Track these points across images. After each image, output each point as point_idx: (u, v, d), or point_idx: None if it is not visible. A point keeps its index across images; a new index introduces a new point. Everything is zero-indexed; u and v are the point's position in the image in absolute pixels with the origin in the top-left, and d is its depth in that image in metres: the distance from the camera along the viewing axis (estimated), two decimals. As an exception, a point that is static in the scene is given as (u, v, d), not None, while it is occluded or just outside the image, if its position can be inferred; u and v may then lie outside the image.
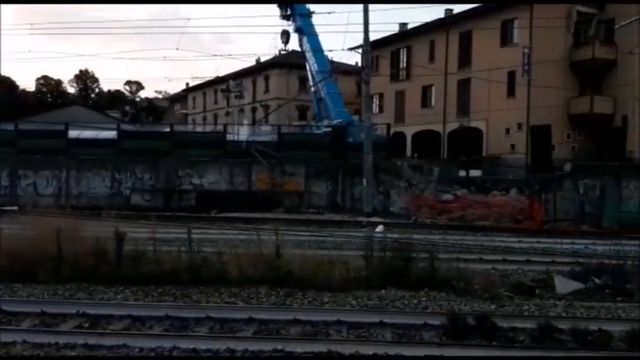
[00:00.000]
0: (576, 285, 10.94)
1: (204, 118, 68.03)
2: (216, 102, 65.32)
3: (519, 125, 34.20)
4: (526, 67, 33.48)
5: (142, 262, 11.11)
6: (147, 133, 33.86)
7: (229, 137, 30.45)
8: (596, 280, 11.02)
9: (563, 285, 10.88)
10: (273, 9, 35.56)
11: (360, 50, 29.17)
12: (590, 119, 34.31)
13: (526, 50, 33.51)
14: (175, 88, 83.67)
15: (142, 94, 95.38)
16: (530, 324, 8.00)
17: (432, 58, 40.59)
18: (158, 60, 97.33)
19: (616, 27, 27.15)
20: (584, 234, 20.49)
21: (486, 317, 8.08)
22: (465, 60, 38.12)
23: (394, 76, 44.39)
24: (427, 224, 22.37)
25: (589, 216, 24.21)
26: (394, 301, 9.71)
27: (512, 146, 34.68)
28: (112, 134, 29.10)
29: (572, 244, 17.27)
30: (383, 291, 10.36)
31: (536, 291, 10.77)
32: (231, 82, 52.98)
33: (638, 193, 24.03)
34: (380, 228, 19.28)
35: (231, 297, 9.97)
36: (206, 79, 62.32)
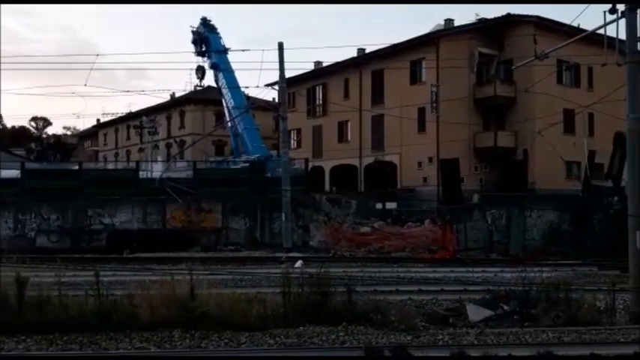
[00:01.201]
0: (487, 312, 11.35)
1: (116, 155, 65.83)
2: (128, 138, 63.51)
3: (430, 159, 35.62)
4: (434, 104, 35.12)
5: (46, 308, 10.40)
6: (54, 172, 32.35)
7: (142, 174, 29.63)
8: (505, 307, 11.49)
9: (475, 313, 11.26)
10: (189, 45, 35.42)
11: (276, 87, 29.49)
12: (494, 152, 36.32)
13: (434, 88, 35.21)
14: (85, 124, 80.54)
15: (50, 130, 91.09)
16: (444, 353, 8.18)
17: (347, 94, 41.73)
18: (67, 95, 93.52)
19: (513, 67, 29.11)
20: (494, 262, 21.45)
21: (402, 348, 8.19)
22: (378, 97, 39.47)
23: (311, 112, 45.18)
24: (346, 257, 22.60)
25: (497, 244, 25.41)
26: (312, 337, 9.63)
27: (425, 179, 35.98)
28: (15, 173, 27.50)
29: (483, 272, 18.00)
30: (301, 327, 10.25)
31: (450, 320, 11.06)
32: (145, 118, 51.79)
33: (540, 222, 25.55)
34: (299, 263, 19.28)
35: (143, 342, 9.50)
36: (118, 115, 60.52)
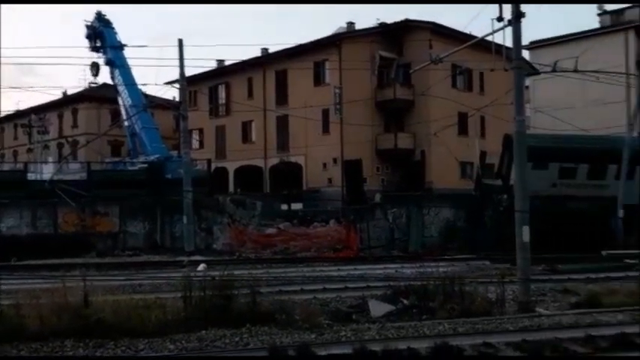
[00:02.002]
0: (388, 307, 11.65)
1: (2, 156, 61.24)
2: (16, 138, 59.27)
3: (335, 160, 36.17)
4: (337, 106, 35.71)
5: None
6: None
7: (31, 176, 27.73)
8: (405, 301, 11.85)
9: (377, 308, 11.51)
10: (83, 39, 33.63)
11: (177, 85, 28.67)
12: (395, 154, 37.53)
13: (337, 90, 35.81)
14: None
15: None
16: (347, 349, 8.28)
17: (250, 94, 41.42)
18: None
19: (411, 71, 30.22)
20: (395, 259, 22.12)
21: (306, 347, 8.20)
22: (282, 97, 39.52)
23: (214, 112, 44.39)
24: (251, 259, 22.37)
25: (398, 242, 26.25)
26: (215, 340, 9.41)
27: (330, 180, 36.49)
28: None
29: (385, 268, 18.51)
30: (203, 332, 10.00)
31: (353, 316, 11.24)
32: (34, 116, 48.53)
33: (437, 219, 26.70)
34: (202, 266, 18.82)
35: (32, 353, 8.85)
36: (4, 114, 56.30)
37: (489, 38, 13.78)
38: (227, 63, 42.86)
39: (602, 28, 51.99)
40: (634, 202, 26.73)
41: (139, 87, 33.02)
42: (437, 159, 35.73)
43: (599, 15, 54.14)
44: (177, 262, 20.72)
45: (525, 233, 12.53)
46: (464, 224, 26.65)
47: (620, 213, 24.93)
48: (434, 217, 26.66)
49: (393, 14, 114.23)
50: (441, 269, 16.54)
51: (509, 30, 13.28)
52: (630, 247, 23.08)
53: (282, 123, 39.27)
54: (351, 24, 40.13)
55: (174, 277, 14.52)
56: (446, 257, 21.46)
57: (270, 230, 26.38)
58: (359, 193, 29.22)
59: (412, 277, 13.95)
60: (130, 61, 32.70)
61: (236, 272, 13.80)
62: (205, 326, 10.23)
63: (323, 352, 8.16)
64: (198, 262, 19.94)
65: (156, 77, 67.39)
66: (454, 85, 37.58)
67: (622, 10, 52.39)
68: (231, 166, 42.18)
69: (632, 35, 49.04)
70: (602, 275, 16.18)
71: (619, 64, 42.70)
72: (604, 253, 21.92)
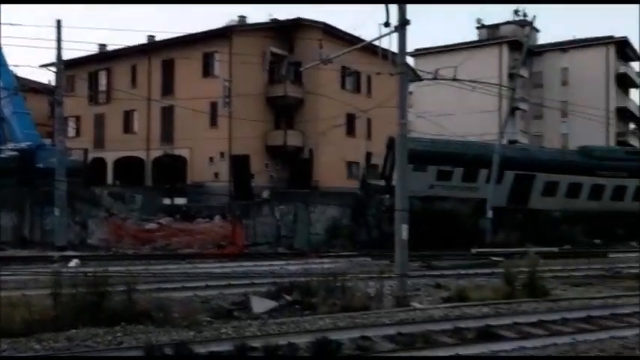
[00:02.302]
0: (271, 304, 11.63)
1: None
2: None
3: (222, 154, 35.55)
4: (226, 100, 35.15)
5: None
6: None
7: None
8: (288, 298, 11.90)
9: (259, 305, 11.45)
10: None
11: (53, 68, 26.71)
12: (284, 151, 37.66)
13: (226, 83, 35.23)
14: None
15: None
16: (227, 346, 8.13)
17: (134, 82, 39.60)
18: None
19: (301, 69, 30.50)
20: (280, 255, 22.22)
21: (184, 345, 7.94)
22: (168, 87, 38.17)
23: (93, 99, 41.90)
24: (129, 255, 21.40)
25: (284, 239, 26.41)
26: (86, 340, 8.84)
27: (216, 174, 35.83)
28: None
29: (270, 265, 18.51)
30: (74, 330, 9.37)
31: (235, 313, 11.09)
32: None
33: (323, 217, 27.18)
34: (74, 262, 17.70)
35: None
36: None
37: (377, 43, 14.20)
38: (110, 48, 40.68)
39: (479, 40, 55.82)
40: (502, 204, 28.98)
41: (11, 68, 30.47)
42: (325, 158, 36.33)
43: (477, 28, 58.10)
44: (46, 258, 19.31)
45: (404, 231, 13.07)
46: (349, 222, 27.39)
47: (489, 214, 26.89)
48: (320, 215, 27.12)
49: (285, 11, 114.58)
50: (325, 266, 16.90)
51: (396, 36, 13.78)
52: (497, 245, 25.00)
53: (168, 114, 37.96)
54: (242, 17, 39.69)
55: (43, 273, 13.49)
56: (330, 254, 21.91)
57: (151, 225, 25.41)
58: (246, 189, 29.03)
59: (296, 273, 14.04)
60: (1, 40, 30.06)
61: (112, 269, 13.13)
62: (76, 325, 9.60)
63: (202, 350, 7.95)
64: (70, 258, 18.72)
65: (31, 59, 62.42)
66: (343, 86, 38.42)
67: (498, 26, 56.58)
68: (110, 157, 40.07)
69: (505, 49, 53.13)
70: (471, 271, 17.33)
71: (493, 76, 46.06)
72: (474, 250, 23.49)
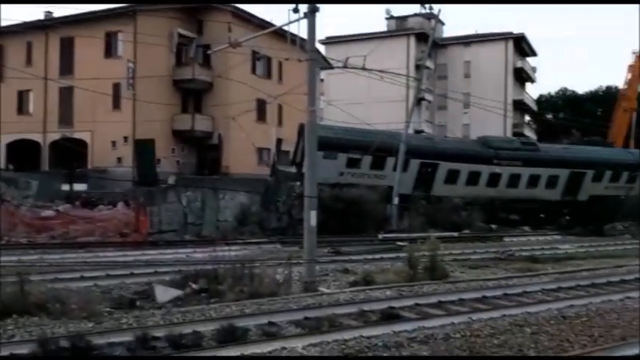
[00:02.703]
0: (175, 292, 11.33)
1: None
2: None
3: (125, 138, 34.10)
4: (131, 81, 33.70)
5: None
6: None
7: None
8: (194, 286, 11.64)
9: (163, 294, 11.12)
10: None
11: None
12: (192, 136, 36.74)
13: (131, 64, 33.76)
14: None
15: None
16: (128, 336, 7.83)
17: (29, 60, 37.01)
18: None
19: (209, 52, 29.79)
20: (187, 243, 21.69)
21: (81, 337, 7.55)
22: (67, 67, 35.97)
23: (-17, 77, 38.73)
24: (22, 244, 20.07)
25: (192, 226, 25.78)
26: (-31, 335, 8.21)
27: (119, 159, 34.34)
28: None
29: (175, 253, 18.01)
30: (-46, 326, 8.66)
31: (137, 303, 10.70)
32: None
33: (232, 204, 26.82)
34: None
35: None
36: None
37: (286, 28, 14.11)
38: (2, 24, 37.69)
39: (388, 31, 57.16)
40: (407, 192, 29.97)
41: None
42: (235, 143, 35.83)
43: (386, 19, 59.45)
44: None
45: (313, 218, 13.16)
46: (259, 209, 27.21)
47: (396, 200, 27.72)
48: (229, 201, 26.73)
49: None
50: (233, 253, 16.69)
51: (306, 23, 13.74)
52: (403, 231, 25.87)
53: (66, 95, 35.79)
54: (148, -4, 38.11)
55: None
56: (239, 241, 21.67)
57: (48, 212, 23.93)
58: (151, 175, 28.02)
59: (203, 261, 13.76)
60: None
61: (3, 258, 12.27)
62: (-41, 320, 8.89)
63: (100, 341, 7.61)
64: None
65: None
66: (254, 71, 37.94)
67: (406, 17, 58.18)
68: (2, 140, 37.31)
69: (412, 40, 54.79)
70: (377, 256, 17.80)
71: (401, 66, 47.41)
72: (381, 236, 24.15)
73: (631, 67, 47.91)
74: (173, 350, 7.57)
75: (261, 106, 37.39)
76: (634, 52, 47.44)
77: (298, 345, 7.76)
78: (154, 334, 7.89)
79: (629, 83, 48.06)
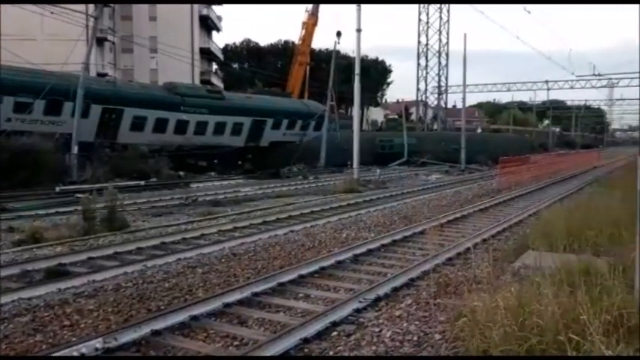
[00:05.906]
0: None
1: None
2: None
3: None
4: None
5: None
6: None
7: None
8: None
9: None
10: None
11: None
12: None
13: None
14: None
15: None
16: None
17: None
18: None
19: None
20: None
21: None
22: None
23: None
24: None
25: None
26: None
27: None
28: None
29: None
30: None
31: None
32: None
33: None
34: None
35: None
36: None
37: None
38: None
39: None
40: (89, 140, 28.12)
41: None
42: None
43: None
44: None
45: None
46: None
47: (75, 149, 25.70)
48: None
49: None
50: None
51: None
52: (85, 182, 24.22)
53: None
54: None
55: None
56: None
57: None
58: None
59: None
60: None
61: None
62: None
63: None
64: None
65: None
66: None
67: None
68: None
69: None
70: (52, 211, 16.34)
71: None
72: (58, 189, 22.21)
73: (304, 24, 53.12)
74: None
75: None
76: (307, 11, 52.62)
77: None
78: None
79: (303, 39, 53.34)
